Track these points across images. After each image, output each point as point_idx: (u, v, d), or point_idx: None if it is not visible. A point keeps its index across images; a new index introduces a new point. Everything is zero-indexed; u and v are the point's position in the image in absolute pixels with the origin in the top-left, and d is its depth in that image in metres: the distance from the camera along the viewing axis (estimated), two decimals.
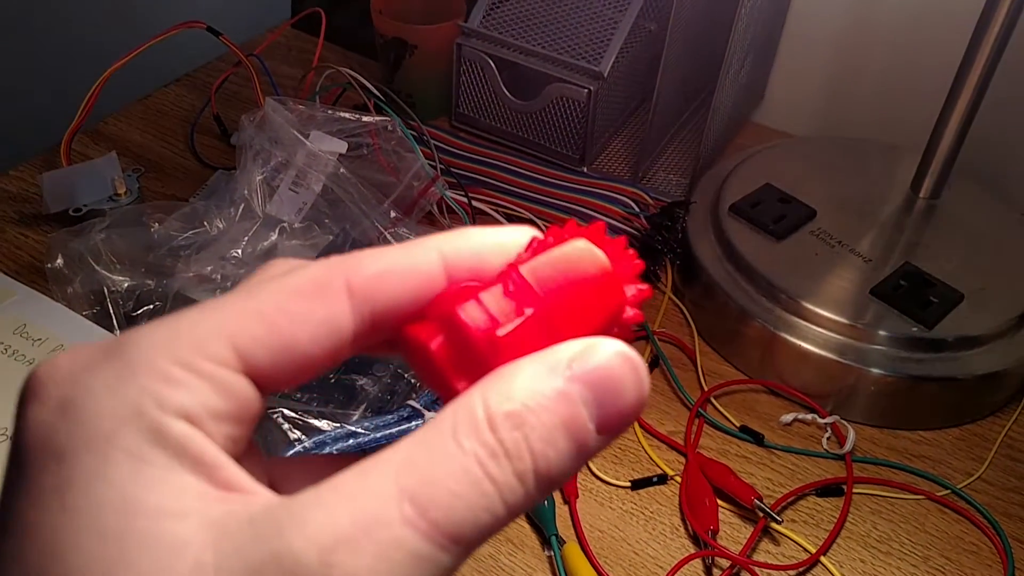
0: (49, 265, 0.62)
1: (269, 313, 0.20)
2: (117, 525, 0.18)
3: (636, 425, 0.61)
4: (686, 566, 0.53)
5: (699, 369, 0.65)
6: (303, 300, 0.20)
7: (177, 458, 0.18)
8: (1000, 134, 0.79)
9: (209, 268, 0.62)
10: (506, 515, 0.19)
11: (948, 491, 0.59)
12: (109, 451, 0.18)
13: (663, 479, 0.58)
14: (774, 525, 0.55)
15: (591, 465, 0.58)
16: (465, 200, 0.70)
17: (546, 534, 0.53)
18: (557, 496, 0.56)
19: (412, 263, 0.22)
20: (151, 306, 0.61)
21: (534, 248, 0.22)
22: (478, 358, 0.21)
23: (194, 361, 0.19)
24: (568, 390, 0.19)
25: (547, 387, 0.19)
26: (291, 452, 0.53)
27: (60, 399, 0.19)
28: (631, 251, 0.23)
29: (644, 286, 0.23)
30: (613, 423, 0.20)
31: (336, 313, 0.21)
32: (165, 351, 0.19)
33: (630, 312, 0.23)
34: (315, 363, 0.21)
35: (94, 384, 0.19)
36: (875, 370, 0.61)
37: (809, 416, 0.62)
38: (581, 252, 0.22)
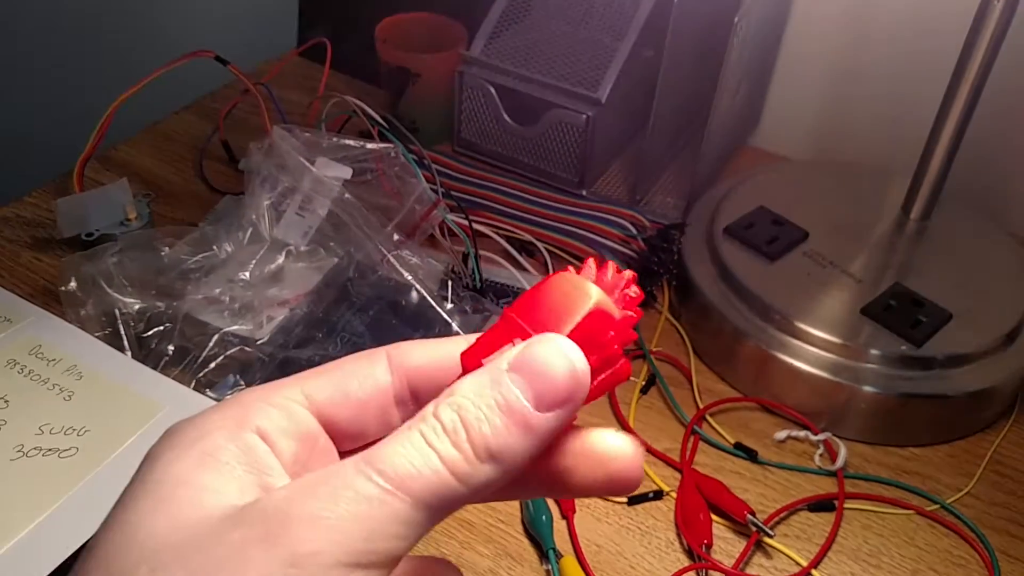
0: (63, 288, 0.64)
1: (329, 369, 0.28)
2: (170, 489, 0.24)
3: None
4: None
5: (695, 387, 0.67)
6: (352, 360, 0.29)
7: (242, 457, 0.25)
8: (990, 157, 0.81)
9: (218, 290, 0.64)
10: (451, 476, 0.23)
11: (937, 506, 0.60)
12: (187, 450, 0.25)
13: (659, 495, 0.59)
14: (767, 539, 0.57)
15: None
16: (466, 223, 0.72)
17: (544, 548, 0.55)
18: (555, 511, 0.57)
19: (433, 354, 0.29)
20: (161, 327, 0.63)
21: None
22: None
23: (273, 397, 0.27)
24: (498, 378, 0.24)
25: (483, 380, 0.24)
26: None
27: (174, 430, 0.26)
28: (631, 282, 0.27)
29: (633, 313, 0.26)
30: (550, 397, 0.24)
31: (377, 369, 0.28)
32: (257, 393, 0.27)
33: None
34: (366, 407, 0.28)
35: (208, 418, 0.26)
36: (866, 388, 0.63)
37: (802, 433, 0.63)
38: (566, 284, 0.26)
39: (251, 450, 0.25)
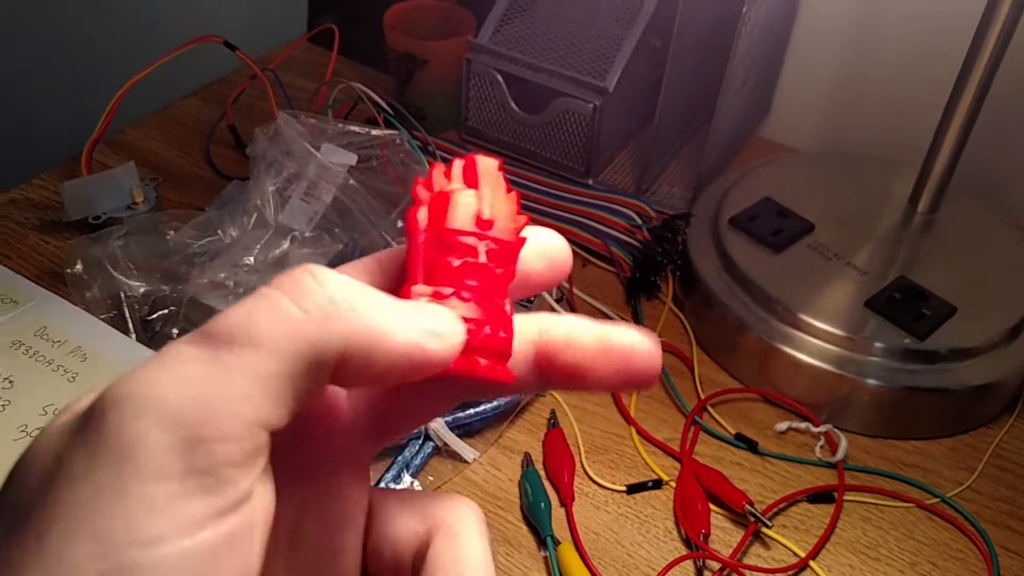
0: (69, 270, 0.65)
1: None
2: None
3: (633, 431, 0.62)
4: (677, 567, 0.54)
5: (696, 378, 0.67)
6: (344, 270, 0.24)
7: None
8: (998, 150, 0.80)
9: (222, 275, 0.65)
10: (299, 310, 0.20)
11: (938, 500, 0.60)
12: None
13: (658, 484, 0.59)
14: (765, 530, 0.57)
15: (588, 470, 0.60)
16: None
17: (542, 535, 0.55)
18: (554, 499, 0.57)
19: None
20: (166, 311, 0.63)
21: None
22: None
23: None
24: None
25: None
26: None
27: None
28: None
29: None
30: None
31: (368, 274, 0.24)
32: None
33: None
34: None
35: None
36: (869, 381, 0.63)
37: (803, 425, 0.63)
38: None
39: None
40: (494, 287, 0.24)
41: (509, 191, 0.25)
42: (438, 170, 0.25)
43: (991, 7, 0.63)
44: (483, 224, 0.24)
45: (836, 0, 0.84)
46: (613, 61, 0.79)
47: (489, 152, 0.83)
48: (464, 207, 0.24)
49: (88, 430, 0.18)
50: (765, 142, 0.91)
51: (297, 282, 0.20)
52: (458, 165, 0.25)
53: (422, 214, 0.24)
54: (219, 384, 0.19)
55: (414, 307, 0.22)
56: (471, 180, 0.25)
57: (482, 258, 0.24)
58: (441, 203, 0.24)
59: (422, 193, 0.24)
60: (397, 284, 0.25)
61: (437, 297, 0.23)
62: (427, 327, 0.22)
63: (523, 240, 0.25)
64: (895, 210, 0.74)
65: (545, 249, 0.25)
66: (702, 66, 0.81)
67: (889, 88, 0.85)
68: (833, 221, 0.72)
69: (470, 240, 0.24)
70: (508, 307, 0.24)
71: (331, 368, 0.20)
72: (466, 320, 0.23)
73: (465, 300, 0.24)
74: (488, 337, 0.23)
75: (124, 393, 0.18)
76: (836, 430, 0.62)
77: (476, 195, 0.24)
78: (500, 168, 0.25)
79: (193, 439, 0.18)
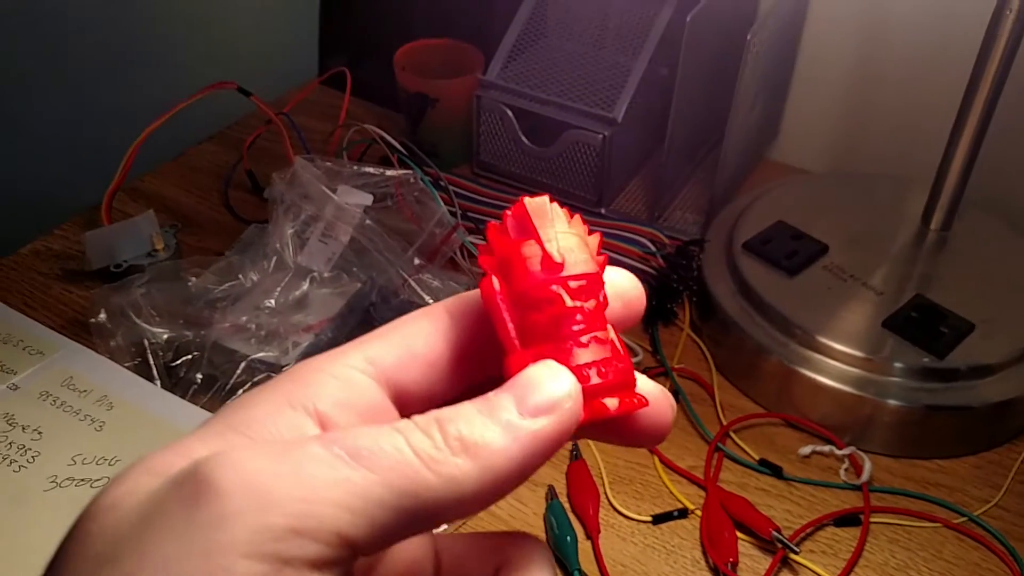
0: (92, 320, 0.65)
1: (391, 331, 0.25)
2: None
3: (656, 460, 0.63)
4: None
5: (717, 404, 0.67)
6: (411, 319, 0.26)
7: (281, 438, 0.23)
8: (1010, 165, 0.80)
9: (244, 318, 0.65)
10: (416, 458, 0.21)
11: (965, 518, 0.60)
12: (222, 431, 0.23)
13: (684, 513, 0.59)
14: (793, 556, 0.57)
15: (613, 501, 0.60)
16: None
17: (569, 569, 0.55)
18: (580, 532, 0.57)
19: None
20: (189, 356, 0.64)
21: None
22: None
23: (332, 367, 0.24)
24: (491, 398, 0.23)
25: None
26: None
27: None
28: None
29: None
30: (533, 402, 0.22)
31: (440, 324, 0.25)
32: (315, 364, 0.24)
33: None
34: (434, 366, 0.25)
35: (257, 395, 0.24)
36: (890, 401, 0.63)
37: (827, 448, 0.63)
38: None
39: (294, 431, 0.23)
40: (591, 323, 0.23)
41: (571, 218, 0.24)
42: (494, 231, 0.24)
43: (994, 23, 0.64)
44: (555, 267, 0.23)
45: (841, 20, 0.85)
46: (621, 91, 0.79)
47: (501, 184, 0.84)
48: (530, 259, 0.23)
49: (197, 486, 0.20)
50: (775, 164, 0.92)
51: (411, 431, 0.22)
52: (510, 218, 0.24)
53: (495, 283, 0.23)
54: (327, 488, 0.20)
55: (515, 394, 0.23)
56: (527, 226, 0.24)
57: (568, 302, 0.23)
58: (507, 264, 0.23)
59: (487, 261, 0.24)
60: (472, 333, 0.25)
61: (537, 357, 0.23)
62: (539, 408, 0.22)
63: (605, 260, 0.24)
64: (908, 228, 0.74)
65: (619, 289, 0.26)
66: (710, 91, 0.81)
67: (898, 106, 0.86)
68: (847, 242, 0.73)
69: (551, 289, 0.23)
70: (613, 335, 0.24)
71: (444, 514, 0.21)
72: (577, 369, 0.23)
73: (569, 350, 0.23)
74: (605, 375, 0.23)
75: (241, 465, 0.20)
76: (860, 452, 0.62)
77: (536, 242, 0.23)
78: (552, 200, 0.24)
79: (288, 528, 0.19)
